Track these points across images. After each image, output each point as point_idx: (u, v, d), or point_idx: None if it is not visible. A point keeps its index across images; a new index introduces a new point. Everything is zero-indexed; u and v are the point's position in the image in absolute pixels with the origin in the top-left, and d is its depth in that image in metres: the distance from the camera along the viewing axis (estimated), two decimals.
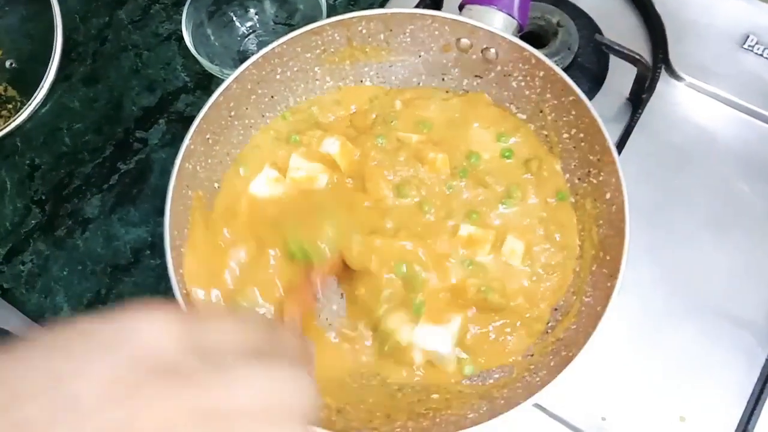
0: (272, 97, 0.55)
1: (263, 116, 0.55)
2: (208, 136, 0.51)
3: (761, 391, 0.53)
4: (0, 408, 0.22)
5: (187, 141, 0.48)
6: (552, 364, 0.47)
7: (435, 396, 0.48)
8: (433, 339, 0.50)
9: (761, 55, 0.63)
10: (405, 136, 0.54)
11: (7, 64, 0.71)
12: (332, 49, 0.54)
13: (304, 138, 0.55)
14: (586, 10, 0.66)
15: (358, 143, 0.54)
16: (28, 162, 0.67)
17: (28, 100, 0.68)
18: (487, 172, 0.54)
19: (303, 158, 0.53)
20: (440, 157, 0.53)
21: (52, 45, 0.69)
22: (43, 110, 0.69)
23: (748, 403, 0.53)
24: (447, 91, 0.57)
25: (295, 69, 0.54)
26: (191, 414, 0.23)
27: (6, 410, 0.22)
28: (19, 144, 0.68)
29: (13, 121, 0.67)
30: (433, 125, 0.55)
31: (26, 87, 0.69)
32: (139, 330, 0.24)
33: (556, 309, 0.51)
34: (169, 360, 0.24)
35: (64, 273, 0.63)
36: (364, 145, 0.54)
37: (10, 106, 0.69)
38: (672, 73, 0.63)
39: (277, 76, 0.54)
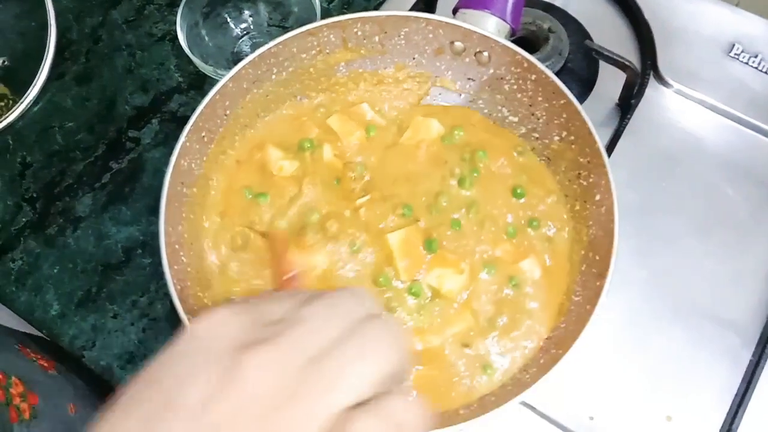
0: (267, 96, 0.55)
1: (258, 116, 0.56)
2: (203, 134, 0.51)
3: (745, 391, 0.54)
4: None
5: (183, 138, 0.49)
6: (542, 361, 0.47)
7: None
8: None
9: (747, 63, 0.65)
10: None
11: (0, 61, 0.71)
12: (327, 50, 0.55)
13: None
14: (576, 16, 0.67)
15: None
16: (19, 160, 0.67)
17: (21, 98, 0.68)
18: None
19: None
20: None
21: (46, 43, 0.69)
22: (35, 108, 0.69)
23: (732, 402, 0.54)
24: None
25: (291, 69, 0.55)
26: (298, 363, 0.24)
27: None
28: (10, 142, 0.68)
29: (5, 119, 0.67)
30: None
31: (18, 85, 0.69)
32: (214, 333, 0.25)
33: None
34: (250, 339, 0.25)
35: (55, 271, 0.62)
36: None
37: (2, 104, 0.69)
38: (660, 79, 0.64)
39: (273, 76, 0.54)
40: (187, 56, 0.63)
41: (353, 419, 0.23)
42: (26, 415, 0.51)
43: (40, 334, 0.62)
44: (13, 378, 0.53)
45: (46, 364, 0.59)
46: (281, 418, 0.23)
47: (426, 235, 0.52)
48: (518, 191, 0.54)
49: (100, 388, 0.67)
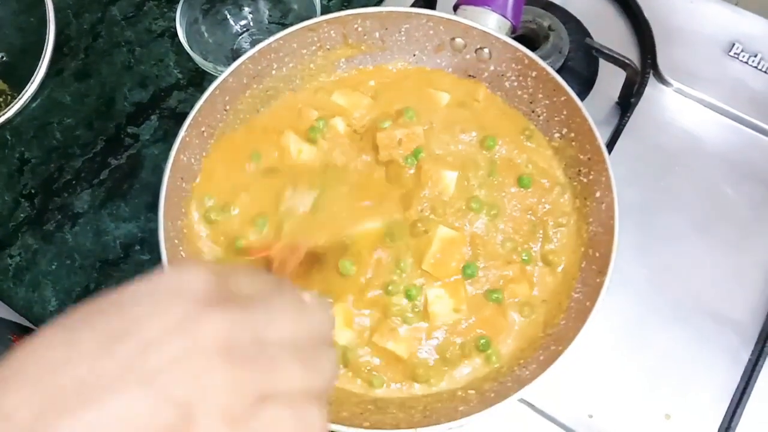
0: (267, 92, 0.55)
1: (258, 111, 0.56)
2: (203, 129, 0.51)
3: (744, 390, 0.54)
4: (95, 350, 0.24)
5: (182, 132, 0.49)
6: (541, 358, 0.47)
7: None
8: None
9: (746, 62, 0.65)
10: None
11: None
12: (328, 46, 0.55)
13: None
14: (576, 14, 0.67)
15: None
16: (17, 156, 0.67)
17: (19, 94, 0.68)
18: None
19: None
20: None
21: (44, 39, 0.69)
22: (33, 104, 0.69)
23: (731, 401, 0.54)
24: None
25: (291, 65, 0.55)
26: (243, 333, 0.26)
27: (102, 352, 0.24)
28: (9, 137, 0.67)
29: (3, 114, 0.67)
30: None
31: (17, 80, 0.68)
32: (186, 281, 0.26)
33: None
34: (215, 297, 0.26)
35: (53, 267, 0.62)
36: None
37: (0, 99, 0.69)
38: (660, 78, 0.64)
39: (273, 72, 0.54)
40: (187, 53, 0.63)
41: (266, 406, 0.25)
42: None
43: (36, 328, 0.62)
44: None
45: None
46: (214, 377, 0.24)
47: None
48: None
49: None
